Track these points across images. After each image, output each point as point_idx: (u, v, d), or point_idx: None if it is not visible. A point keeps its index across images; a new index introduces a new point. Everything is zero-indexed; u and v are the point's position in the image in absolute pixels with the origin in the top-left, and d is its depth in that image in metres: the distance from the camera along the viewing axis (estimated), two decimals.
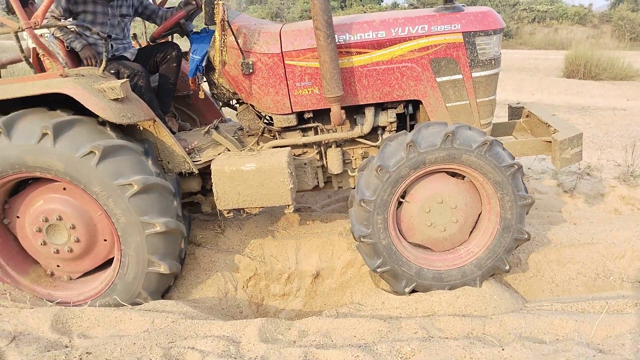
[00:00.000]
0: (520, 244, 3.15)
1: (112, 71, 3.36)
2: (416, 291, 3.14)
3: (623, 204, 4.52)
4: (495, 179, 2.96)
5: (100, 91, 2.98)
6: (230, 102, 3.73)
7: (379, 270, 3.06)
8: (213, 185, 3.18)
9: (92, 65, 3.36)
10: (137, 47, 4.04)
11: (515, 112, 4.01)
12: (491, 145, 2.90)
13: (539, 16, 26.03)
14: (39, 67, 3.47)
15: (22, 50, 3.00)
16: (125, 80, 3.09)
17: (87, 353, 2.59)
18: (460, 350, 2.50)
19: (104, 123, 3.07)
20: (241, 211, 3.36)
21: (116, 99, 2.99)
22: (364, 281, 3.45)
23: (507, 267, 3.13)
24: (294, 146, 3.46)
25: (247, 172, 3.12)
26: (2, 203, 3.27)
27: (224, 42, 3.16)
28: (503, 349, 2.50)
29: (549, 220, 4.04)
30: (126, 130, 3.19)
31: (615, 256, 3.55)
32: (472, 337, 2.67)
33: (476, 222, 3.22)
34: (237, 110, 3.66)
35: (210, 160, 3.34)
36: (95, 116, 3.01)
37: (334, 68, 3.01)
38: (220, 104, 3.88)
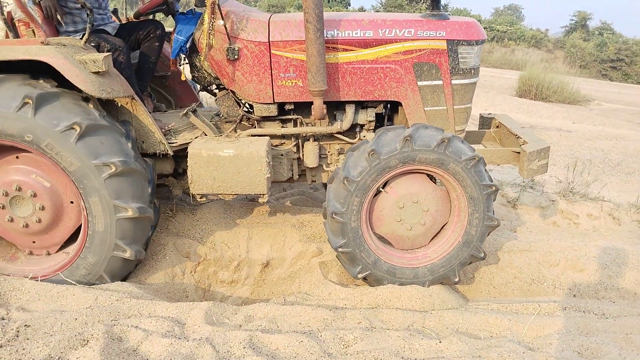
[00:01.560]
0: (474, 261, 3.29)
1: (93, 44, 3.26)
2: (367, 280, 3.23)
3: (561, 218, 4.79)
4: (472, 195, 3.08)
5: (82, 62, 2.90)
6: (210, 87, 3.69)
7: (340, 250, 3.11)
8: (188, 168, 3.14)
9: (51, 17, 3.23)
10: (117, 22, 3.92)
11: (486, 122, 4.14)
12: (478, 162, 3.01)
13: (498, 36, 27.02)
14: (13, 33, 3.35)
15: (2, 13, 2.88)
16: (108, 54, 3.02)
17: (25, 326, 2.53)
18: (400, 340, 2.60)
19: (87, 99, 2.99)
20: (214, 197, 3.30)
21: (97, 73, 2.92)
22: (312, 272, 3.51)
23: (457, 279, 3.25)
24: (272, 136, 3.46)
25: (224, 158, 3.10)
26: None
27: (212, 25, 3.11)
28: (440, 342, 2.62)
29: None
30: (106, 108, 3.11)
31: (550, 264, 3.76)
32: (412, 329, 2.78)
33: (438, 231, 3.33)
34: (216, 96, 3.63)
35: (186, 143, 3.30)
36: (79, 90, 2.92)
37: (320, 62, 3.02)
38: (199, 88, 3.83)
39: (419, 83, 3.31)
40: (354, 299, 3.11)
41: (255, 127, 3.52)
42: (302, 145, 3.54)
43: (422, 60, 3.26)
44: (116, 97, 3.05)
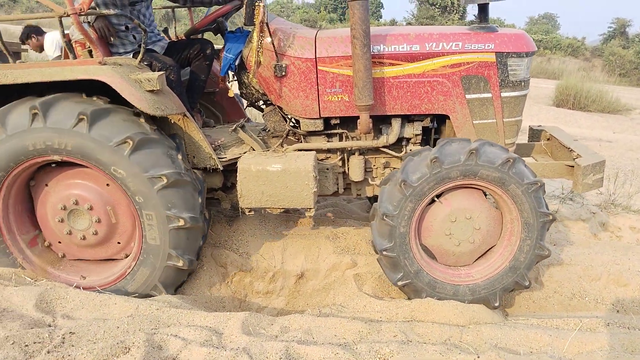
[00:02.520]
0: (518, 289, 3.24)
1: (145, 63, 3.37)
2: (404, 289, 3.20)
3: (602, 230, 4.66)
4: (528, 220, 3.06)
5: (137, 81, 3.00)
6: (258, 102, 3.76)
7: (385, 253, 3.09)
8: (238, 183, 3.20)
9: (105, 38, 3.37)
10: (167, 40, 4.03)
11: (535, 134, 4.07)
12: (539, 188, 2.98)
13: None
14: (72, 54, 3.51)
15: (63, 35, 3.01)
16: (162, 72, 3.12)
17: (70, 333, 2.61)
18: (438, 355, 2.57)
19: (138, 114, 3.10)
20: (262, 210, 3.37)
21: (151, 91, 3.02)
22: (347, 284, 3.51)
23: (497, 304, 3.20)
24: (318, 151, 3.49)
25: (272, 173, 3.15)
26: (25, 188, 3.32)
27: (260, 43, 3.18)
28: (478, 357, 2.57)
29: None
30: (157, 123, 3.22)
31: (591, 278, 3.66)
32: (450, 343, 2.74)
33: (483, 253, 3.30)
34: (263, 112, 3.69)
35: (235, 158, 3.38)
36: (131, 106, 3.04)
37: (367, 77, 3.05)
38: (246, 103, 3.91)
39: (467, 96, 3.28)
40: (389, 311, 3.10)
41: (301, 142, 3.56)
42: (348, 159, 3.55)
43: (471, 73, 3.24)
44: (169, 115, 3.14)
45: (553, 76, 19.62)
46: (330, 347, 2.59)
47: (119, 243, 3.37)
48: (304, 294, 3.64)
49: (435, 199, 3.17)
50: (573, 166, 3.39)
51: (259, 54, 3.21)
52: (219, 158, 3.40)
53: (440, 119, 3.56)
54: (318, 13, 29.86)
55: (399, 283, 3.16)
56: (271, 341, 2.63)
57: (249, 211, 3.34)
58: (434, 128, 3.61)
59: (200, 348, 2.53)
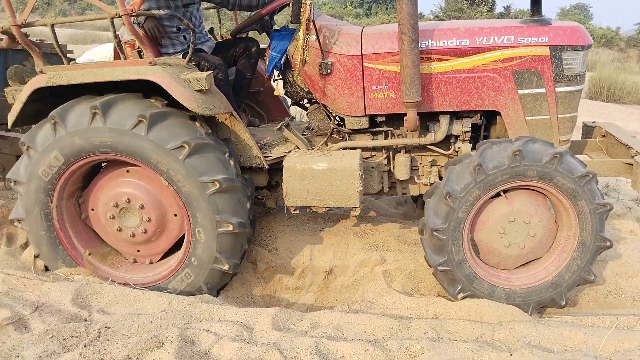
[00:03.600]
0: (553, 306, 3.19)
1: (194, 63, 3.40)
2: (443, 275, 3.11)
3: (639, 226, 4.52)
4: (584, 241, 3.00)
5: (186, 81, 3.05)
6: (302, 101, 3.76)
7: (439, 268, 3.03)
8: (283, 182, 3.21)
9: (155, 38, 3.42)
10: (214, 41, 4.06)
11: (589, 130, 3.94)
12: (591, 180, 2.90)
13: None
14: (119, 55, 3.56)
15: (115, 36, 3.09)
16: (210, 72, 3.16)
17: (105, 327, 2.68)
18: (469, 352, 2.54)
19: (194, 118, 3.15)
20: (307, 209, 3.38)
21: (200, 90, 3.06)
22: (376, 281, 3.50)
23: (529, 314, 3.09)
24: (363, 149, 3.46)
25: (318, 171, 3.15)
26: (77, 189, 3.42)
27: (306, 41, 3.17)
28: (511, 355, 2.53)
29: None
30: (207, 123, 3.26)
31: (628, 275, 3.56)
32: (481, 341, 2.71)
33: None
34: (307, 110, 3.69)
35: (281, 157, 3.40)
36: (186, 109, 3.08)
37: (415, 73, 3.01)
38: (290, 102, 3.92)
39: (520, 92, 3.20)
40: (419, 308, 3.08)
41: (345, 140, 3.53)
42: (393, 158, 3.51)
43: (523, 67, 3.16)
44: (217, 114, 3.17)
45: (586, 68, 19.09)
46: (360, 343, 2.59)
47: (138, 251, 3.45)
48: (333, 290, 3.65)
49: (502, 193, 3.07)
50: (632, 164, 3.26)
51: (305, 52, 3.19)
52: (264, 157, 3.40)
53: (490, 116, 3.47)
54: (344, 9, 29.77)
55: (459, 296, 3.08)
56: (301, 337, 2.65)
57: (294, 210, 3.34)
58: (483, 125, 3.51)
59: (231, 343, 2.57)
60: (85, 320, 2.82)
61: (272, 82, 3.79)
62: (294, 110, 5.97)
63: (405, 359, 2.53)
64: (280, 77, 3.68)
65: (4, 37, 3.47)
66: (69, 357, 2.40)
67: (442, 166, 3.50)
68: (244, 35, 4.11)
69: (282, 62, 3.45)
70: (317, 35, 3.15)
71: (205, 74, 3.08)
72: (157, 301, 3.00)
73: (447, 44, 3.15)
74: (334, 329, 2.77)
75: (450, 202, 2.92)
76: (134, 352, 2.46)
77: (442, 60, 3.16)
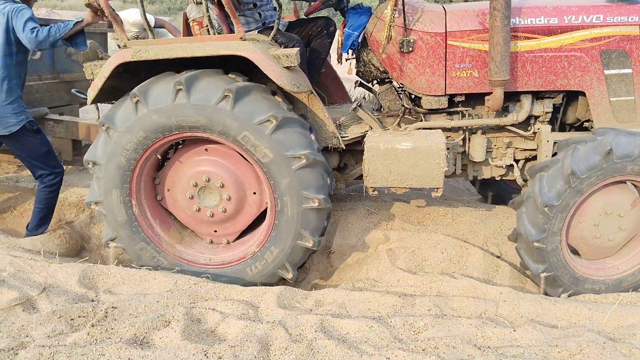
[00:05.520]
0: None
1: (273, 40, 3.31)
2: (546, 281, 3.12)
3: None
4: None
5: (276, 57, 2.99)
6: (373, 81, 3.67)
7: (542, 275, 3.06)
8: (365, 162, 3.14)
9: (234, 9, 3.26)
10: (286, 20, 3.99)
11: None
12: None
13: None
14: (187, 33, 3.52)
15: (206, 11, 3.06)
16: (297, 49, 3.10)
17: (112, 307, 2.71)
18: (472, 328, 2.56)
19: (274, 93, 3.09)
20: (386, 190, 3.33)
21: (287, 67, 3.01)
22: (380, 259, 3.50)
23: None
24: (440, 129, 3.34)
25: (402, 151, 3.08)
26: (154, 170, 3.33)
27: (393, 18, 3.11)
28: (515, 330, 2.56)
29: None
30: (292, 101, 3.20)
31: None
32: (485, 317, 2.73)
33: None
34: (377, 90, 3.62)
35: (356, 137, 3.36)
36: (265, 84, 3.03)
37: (505, 51, 2.97)
38: (355, 84, 3.84)
39: (606, 72, 3.15)
40: (422, 286, 3.10)
41: (421, 121, 3.46)
42: (469, 139, 3.46)
43: (611, 47, 3.11)
44: (302, 92, 3.11)
45: None
46: (364, 320, 2.61)
47: (215, 231, 3.38)
48: (337, 269, 3.67)
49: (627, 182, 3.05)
50: None
51: (392, 29, 3.12)
52: (342, 137, 3.35)
53: (570, 97, 3.42)
54: None
55: (543, 275, 3.08)
56: (306, 314, 2.67)
57: (373, 191, 3.30)
58: (563, 106, 3.47)
59: (237, 321, 2.60)
60: (92, 301, 2.85)
61: (342, 61, 3.70)
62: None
63: (410, 335, 2.55)
64: (354, 56, 3.61)
65: (88, 10, 3.36)
66: (77, 336, 2.44)
67: (517, 148, 3.47)
68: (320, 14, 3.99)
69: (359, 41, 3.39)
70: (404, 12, 3.08)
71: (295, 50, 3.02)
72: (163, 281, 3.02)
73: (535, 22, 3.12)
74: (339, 307, 2.80)
75: (547, 212, 2.91)
76: (140, 331, 2.49)
77: (529, 38, 3.13)
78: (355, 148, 3.51)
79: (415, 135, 3.15)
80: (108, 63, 3.05)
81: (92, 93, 3.15)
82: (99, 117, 4.31)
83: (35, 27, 3.41)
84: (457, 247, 3.51)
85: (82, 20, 3.42)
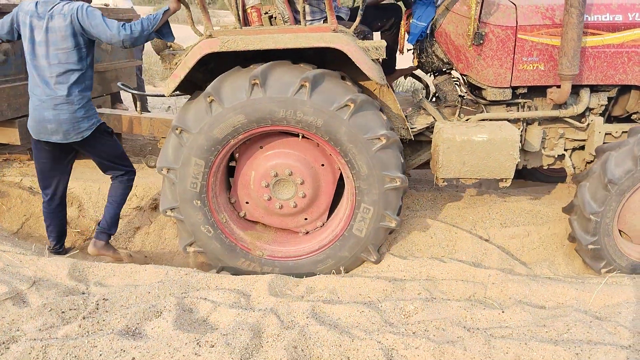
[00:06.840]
0: None
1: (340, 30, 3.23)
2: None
3: None
4: None
5: (365, 50, 2.95)
6: (435, 72, 3.70)
7: (589, 247, 3.17)
8: (439, 153, 3.15)
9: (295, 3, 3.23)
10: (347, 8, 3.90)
11: None
12: None
13: None
14: (244, 22, 3.43)
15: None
16: (384, 42, 3.06)
17: (103, 299, 2.71)
18: (462, 310, 2.60)
19: (344, 77, 3.05)
20: (455, 181, 3.33)
21: (373, 60, 2.97)
22: None
23: None
24: (502, 121, 3.38)
25: (477, 143, 3.11)
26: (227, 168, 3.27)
27: (476, 10, 3.13)
28: (503, 312, 2.60)
29: None
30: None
31: None
32: (474, 299, 2.77)
33: None
34: (435, 81, 3.65)
35: (422, 128, 3.38)
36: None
37: (578, 46, 3.05)
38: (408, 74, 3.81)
39: None
40: (412, 270, 3.13)
41: (483, 112, 3.50)
42: (525, 130, 3.51)
43: None
44: (384, 84, 3.09)
45: None
46: (355, 305, 2.64)
47: (305, 219, 3.34)
48: None
49: None
50: None
51: (476, 22, 3.15)
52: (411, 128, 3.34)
53: (623, 90, 3.49)
54: None
55: (603, 270, 3.23)
56: (297, 301, 2.69)
57: (443, 182, 3.30)
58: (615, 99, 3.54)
59: (229, 310, 2.61)
60: (83, 293, 2.84)
61: (403, 52, 3.71)
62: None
63: (400, 319, 2.58)
64: (416, 46, 3.62)
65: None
66: (68, 329, 2.43)
67: (567, 138, 3.55)
68: (388, 4, 3.94)
69: (427, 32, 3.42)
70: (481, 5, 3.14)
71: (383, 43, 3.00)
72: (153, 272, 3.02)
73: (601, 19, 3.19)
74: (330, 293, 2.82)
75: (610, 188, 3.04)
76: (132, 322, 2.49)
77: (594, 34, 3.20)
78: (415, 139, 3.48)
79: (489, 127, 3.19)
80: (192, 53, 2.93)
81: (172, 84, 3.01)
82: (136, 109, 4.29)
83: (123, 24, 3.16)
84: (446, 232, 3.55)
85: (168, 9, 3.17)
